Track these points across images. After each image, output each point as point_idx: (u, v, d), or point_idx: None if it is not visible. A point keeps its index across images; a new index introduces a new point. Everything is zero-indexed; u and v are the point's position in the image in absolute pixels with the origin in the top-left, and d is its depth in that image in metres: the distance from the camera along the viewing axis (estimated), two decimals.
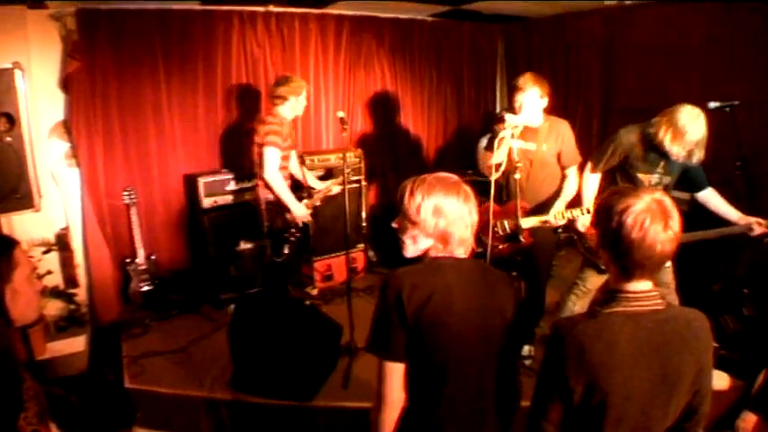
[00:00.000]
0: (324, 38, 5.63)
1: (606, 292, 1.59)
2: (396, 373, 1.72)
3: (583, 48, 5.84)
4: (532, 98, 3.62)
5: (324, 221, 5.25)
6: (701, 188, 3.34)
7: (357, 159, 5.47)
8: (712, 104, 3.66)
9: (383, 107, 6.12)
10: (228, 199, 4.95)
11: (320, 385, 3.62)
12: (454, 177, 1.85)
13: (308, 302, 4.81)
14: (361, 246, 5.62)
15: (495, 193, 3.37)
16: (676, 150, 2.98)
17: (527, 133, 3.66)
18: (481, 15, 5.98)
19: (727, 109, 3.70)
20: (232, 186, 4.96)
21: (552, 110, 3.85)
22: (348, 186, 4.32)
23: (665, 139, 2.97)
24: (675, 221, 1.47)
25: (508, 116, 3.50)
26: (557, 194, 3.76)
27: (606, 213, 1.51)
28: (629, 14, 5.29)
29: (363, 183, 5.47)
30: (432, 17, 6.17)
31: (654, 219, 1.44)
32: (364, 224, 4.61)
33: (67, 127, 4.58)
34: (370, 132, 6.12)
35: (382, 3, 5.27)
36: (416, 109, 6.41)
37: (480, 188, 3.61)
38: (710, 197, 3.33)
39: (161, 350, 4.15)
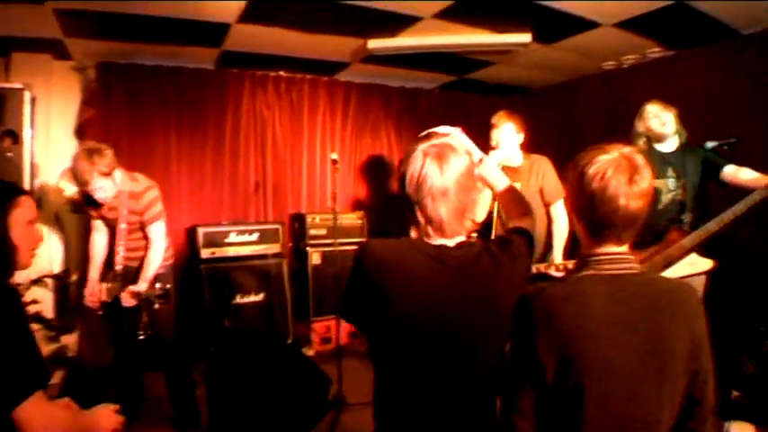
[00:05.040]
0: (332, 103, 5.84)
1: (578, 260, 1.47)
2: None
3: (586, 114, 5.83)
4: (508, 134, 3.65)
5: (325, 281, 5.21)
6: (722, 166, 3.20)
7: (359, 221, 5.52)
8: (710, 144, 3.60)
9: (389, 172, 6.21)
10: (227, 251, 4.94)
11: None
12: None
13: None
14: None
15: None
16: (652, 122, 3.36)
17: (509, 173, 3.58)
18: (486, 86, 6.19)
19: (726, 147, 3.66)
20: (232, 239, 4.97)
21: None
22: (349, 248, 4.31)
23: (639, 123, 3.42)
24: (644, 178, 1.34)
25: (491, 152, 3.48)
26: (548, 237, 3.68)
27: (572, 168, 1.42)
28: (628, 74, 5.29)
29: None
30: (438, 88, 6.40)
31: (617, 170, 1.32)
32: None
33: None
34: (375, 195, 6.17)
35: (390, 71, 5.50)
36: None
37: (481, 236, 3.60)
38: (738, 170, 3.14)
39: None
